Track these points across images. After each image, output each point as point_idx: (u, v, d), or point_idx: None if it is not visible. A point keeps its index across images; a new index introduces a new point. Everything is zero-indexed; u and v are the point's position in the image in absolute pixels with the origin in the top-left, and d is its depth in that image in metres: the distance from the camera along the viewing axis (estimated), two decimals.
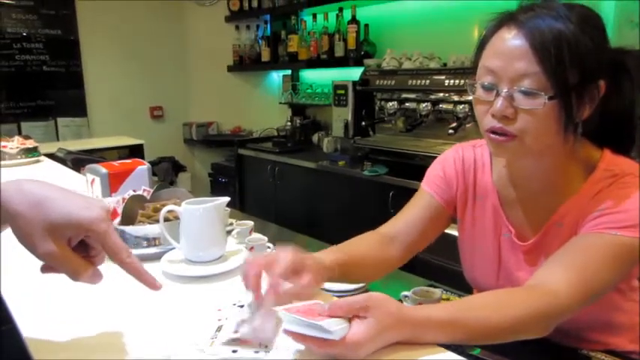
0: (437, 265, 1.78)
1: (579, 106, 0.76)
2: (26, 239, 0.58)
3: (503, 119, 0.77)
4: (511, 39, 0.75)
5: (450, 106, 2.28)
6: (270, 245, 1.15)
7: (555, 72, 0.72)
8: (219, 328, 0.68)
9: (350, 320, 0.60)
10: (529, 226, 0.90)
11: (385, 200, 2.24)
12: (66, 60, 3.42)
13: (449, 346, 0.65)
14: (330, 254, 0.82)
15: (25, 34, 3.27)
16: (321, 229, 2.60)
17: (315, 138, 3.28)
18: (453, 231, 1.04)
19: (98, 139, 3.07)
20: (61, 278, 0.61)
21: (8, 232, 0.60)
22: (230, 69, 3.86)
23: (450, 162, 0.99)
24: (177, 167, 3.86)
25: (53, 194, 0.59)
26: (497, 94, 0.76)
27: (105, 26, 3.55)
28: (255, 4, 3.58)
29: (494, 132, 0.79)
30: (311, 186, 2.81)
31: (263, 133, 3.68)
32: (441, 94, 2.32)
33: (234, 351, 0.62)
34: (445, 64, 2.38)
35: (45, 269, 0.61)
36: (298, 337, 0.58)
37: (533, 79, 0.73)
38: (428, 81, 2.35)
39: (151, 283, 0.62)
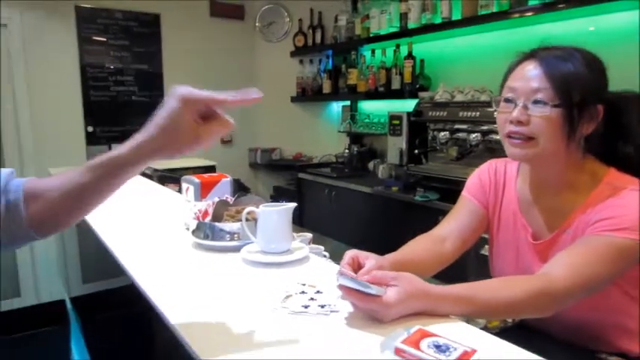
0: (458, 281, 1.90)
1: (580, 120, 0.95)
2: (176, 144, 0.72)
3: (519, 124, 0.96)
4: (531, 69, 0.97)
5: (498, 137, 2.40)
6: (326, 254, 1.35)
7: (561, 88, 0.92)
8: (287, 297, 0.89)
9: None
10: (543, 228, 1.06)
11: (434, 224, 2.37)
12: (151, 91, 3.86)
13: None
14: (388, 256, 1.01)
15: (114, 67, 3.70)
16: (373, 247, 2.76)
17: (371, 165, 3.43)
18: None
19: (176, 161, 3.42)
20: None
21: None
22: (293, 99, 4.11)
23: (484, 171, 1.19)
24: (242, 189, 4.16)
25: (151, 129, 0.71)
26: (515, 106, 0.97)
27: (184, 62, 3.95)
28: (318, 40, 3.84)
29: (511, 137, 0.98)
30: (365, 209, 2.96)
31: (322, 159, 3.88)
32: (491, 126, 2.45)
33: (304, 306, 0.84)
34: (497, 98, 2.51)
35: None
36: (346, 290, 0.78)
37: (544, 92, 0.94)
38: (478, 113, 2.48)
39: (252, 98, 0.72)
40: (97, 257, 3.31)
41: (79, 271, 3.53)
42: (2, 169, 0.76)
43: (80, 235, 3.41)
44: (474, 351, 0.65)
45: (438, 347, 0.65)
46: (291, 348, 0.72)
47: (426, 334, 0.69)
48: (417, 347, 0.65)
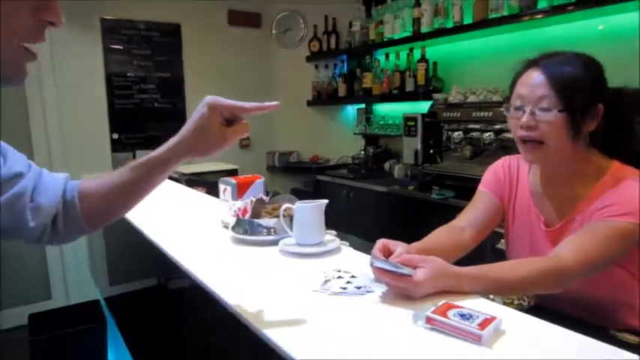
0: None
1: (583, 120, 1.05)
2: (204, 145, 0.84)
3: (529, 129, 1.08)
4: (536, 76, 1.08)
5: (511, 135, 2.49)
6: (351, 249, 1.45)
7: (564, 94, 1.03)
8: (325, 282, 1.00)
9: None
10: (554, 217, 1.17)
11: (451, 220, 2.47)
12: (172, 98, 4.00)
13: None
14: (414, 244, 1.13)
15: (137, 76, 3.83)
16: None
17: (386, 165, 3.53)
18: None
19: (200, 165, 3.55)
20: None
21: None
22: (309, 103, 4.22)
23: (499, 167, 1.31)
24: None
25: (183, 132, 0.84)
26: (524, 112, 1.08)
27: (204, 69, 4.09)
28: (333, 45, 3.95)
29: (523, 141, 1.10)
30: (383, 208, 3.06)
31: (339, 160, 4.00)
32: (503, 125, 2.54)
33: (343, 288, 0.95)
34: (507, 98, 2.61)
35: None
36: (380, 271, 0.89)
37: (549, 100, 1.04)
38: (491, 113, 2.58)
39: (270, 105, 0.84)
40: (123, 260, 3.44)
41: (106, 274, 3.67)
42: (59, 174, 0.91)
43: (107, 239, 3.55)
44: (493, 318, 0.76)
45: (462, 316, 0.76)
46: (336, 323, 0.83)
47: (452, 306, 0.79)
48: (445, 316, 0.76)
